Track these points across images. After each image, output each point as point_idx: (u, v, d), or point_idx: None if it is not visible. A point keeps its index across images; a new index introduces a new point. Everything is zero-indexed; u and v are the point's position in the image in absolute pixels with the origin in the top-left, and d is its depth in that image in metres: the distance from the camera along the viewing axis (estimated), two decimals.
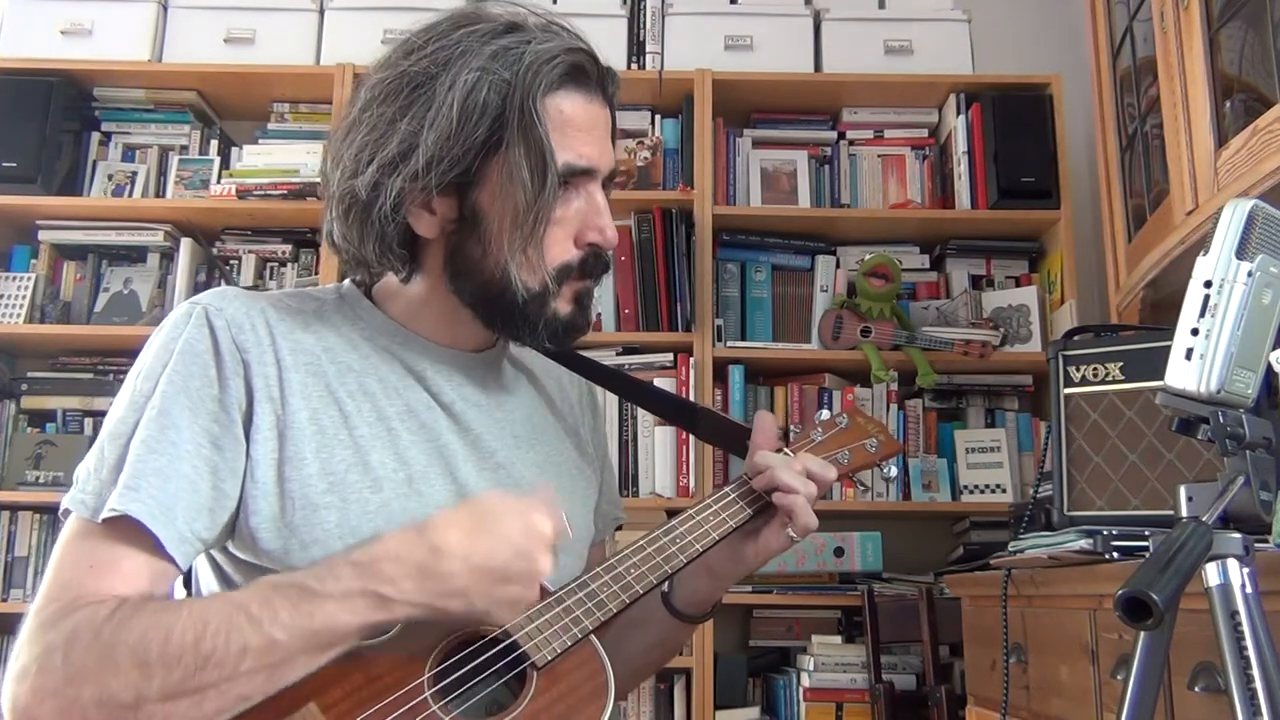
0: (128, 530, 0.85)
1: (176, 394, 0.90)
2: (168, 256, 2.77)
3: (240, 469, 0.91)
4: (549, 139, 0.92)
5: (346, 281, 1.07)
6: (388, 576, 0.83)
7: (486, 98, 0.92)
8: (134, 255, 2.79)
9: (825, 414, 1.16)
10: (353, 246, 0.99)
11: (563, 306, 0.99)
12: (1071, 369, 1.59)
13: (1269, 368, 0.86)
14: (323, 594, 0.82)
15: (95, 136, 2.82)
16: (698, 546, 1.00)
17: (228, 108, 2.90)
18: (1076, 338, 1.64)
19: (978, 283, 2.76)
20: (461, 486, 0.98)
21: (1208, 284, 0.83)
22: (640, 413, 2.56)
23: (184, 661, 0.79)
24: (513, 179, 0.92)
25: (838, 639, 2.47)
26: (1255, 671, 0.78)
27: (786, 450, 1.09)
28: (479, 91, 0.91)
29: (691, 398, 2.52)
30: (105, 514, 0.85)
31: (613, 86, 1.00)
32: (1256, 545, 0.83)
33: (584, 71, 0.96)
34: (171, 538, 0.86)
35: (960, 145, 2.70)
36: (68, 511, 0.88)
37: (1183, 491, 0.85)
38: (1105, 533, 1.40)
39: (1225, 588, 0.80)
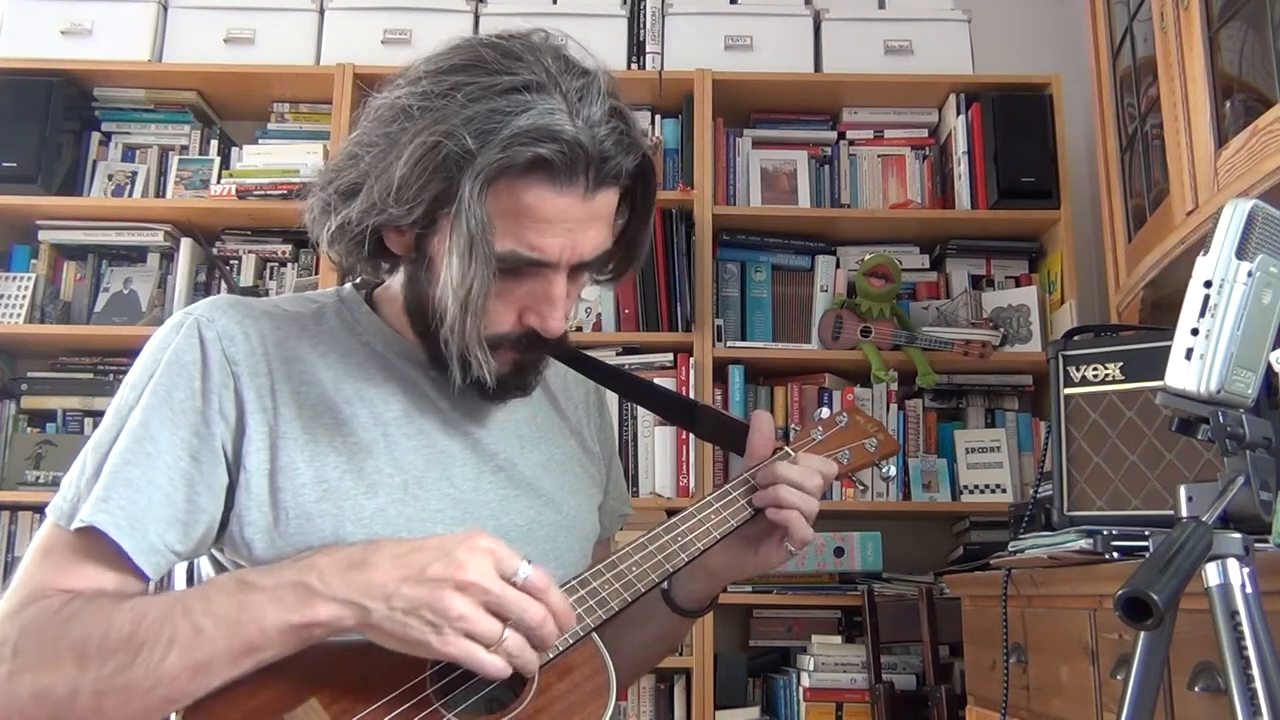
0: (96, 540, 0.86)
1: (159, 405, 0.90)
2: (168, 256, 2.77)
3: (217, 484, 0.91)
4: (488, 226, 0.86)
5: (348, 285, 1.07)
6: (319, 569, 0.83)
7: (438, 165, 0.85)
8: (134, 255, 2.79)
9: (825, 412, 1.16)
10: (321, 243, 0.98)
11: (498, 366, 0.94)
12: (1071, 369, 1.59)
13: (1269, 368, 0.86)
14: (259, 586, 0.83)
15: (95, 136, 2.82)
16: (699, 545, 1.00)
17: (228, 108, 2.90)
18: (1076, 338, 1.64)
19: (978, 283, 2.77)
20: (459, 490, 0.98)
21: (1208, 284, 0.83)
22: (640, 413, 2.57)
23: (118, 655, 0.80)
24: (451, 253, 0.87)
25: (838, 639, 2.47)
26: (1255, 671, 0.78)
27: (787, 449, 1.09)
28: (433, 156, 0.85)
29: (692, 398, 2.52)
30: (76, 524, 0.86)
31: (613, 170, 0.89)
32: (1256, 545, 0.83)
33: (567, 164, 0.86)
34: (140, 549, 0.86)
35: (960, 145, 2.70)
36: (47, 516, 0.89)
37: (1183, 491, 0.85)
38: (1105, 533, 1.40)
39: (1225, 588, 0.80)
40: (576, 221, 0.90)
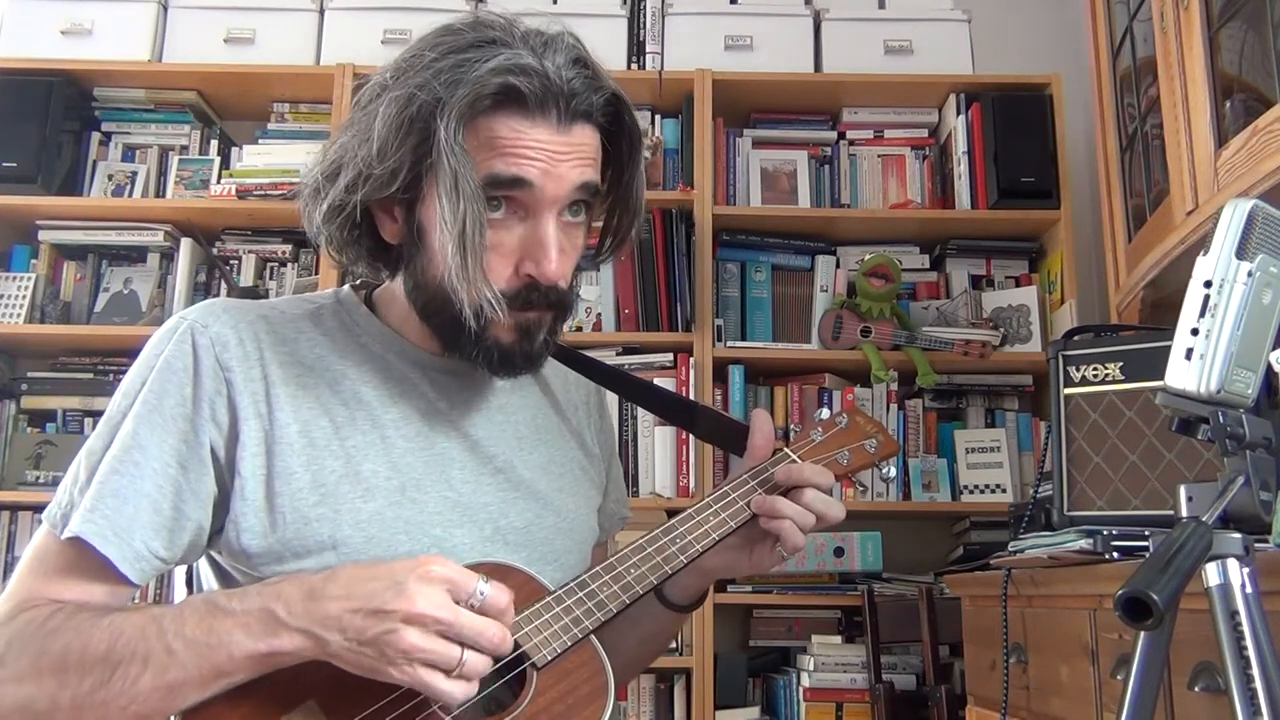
0: (84, 549, 0.87)
1: (149, 413, 0.90)
2: (168, 256, 2.77)
3: (204, 492, 0.91)
4: (468, 159, 0.87)
5: (346, 287, 1.07)
6: (285, 596, 0.82)
7: (414, 115, 0.88)
8: (134, 255, 2.79)
9: (825, 413, 1.16)
10: (319, 236, 0.98)
11: (504, 335, 0.94)
12: (1071, 369, 1.59)
13: (1269, 368, 0.86)
14: (229, 610, 0.83)
15: (95, 136, 2.82)
16: (697, 547, 1.00)
17: (228, 108, 2.90)
18: (1076, 338, 1.64)
19: (978, 283, 2.77)
20: (457, 493, 0.98)
21: (1208, 284, 0.83)
22: (640, 413, 2.56)
23: (95, 671, 0.81)
24: (440, 198, 0.88)
25: (838, 639, 2.47)
26: (1255, 671, 0.78)
27: (786, 449, 1.09)
28: (409, 108, 0.88)
29: (691, 398, 2.52)
30: (66, 534, 0.87)
31: (584, 105, 0.91)
32: (1256, 545, 0.83)
33: (538, 94, 0.89)
34: (125, 557, 0.87)
35: (960, 145, 2.70)
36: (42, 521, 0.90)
37: (1183, 491, 0.85)
38: (1105, 533, 1.40)
39: (1225, 588, 0.80)
40: (555, 153, 0.90)
